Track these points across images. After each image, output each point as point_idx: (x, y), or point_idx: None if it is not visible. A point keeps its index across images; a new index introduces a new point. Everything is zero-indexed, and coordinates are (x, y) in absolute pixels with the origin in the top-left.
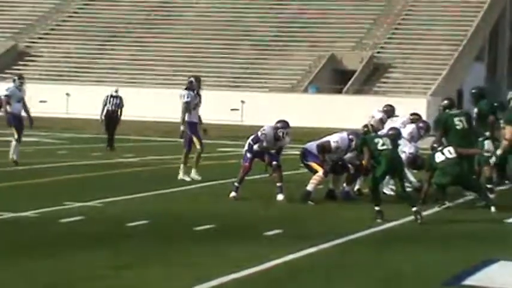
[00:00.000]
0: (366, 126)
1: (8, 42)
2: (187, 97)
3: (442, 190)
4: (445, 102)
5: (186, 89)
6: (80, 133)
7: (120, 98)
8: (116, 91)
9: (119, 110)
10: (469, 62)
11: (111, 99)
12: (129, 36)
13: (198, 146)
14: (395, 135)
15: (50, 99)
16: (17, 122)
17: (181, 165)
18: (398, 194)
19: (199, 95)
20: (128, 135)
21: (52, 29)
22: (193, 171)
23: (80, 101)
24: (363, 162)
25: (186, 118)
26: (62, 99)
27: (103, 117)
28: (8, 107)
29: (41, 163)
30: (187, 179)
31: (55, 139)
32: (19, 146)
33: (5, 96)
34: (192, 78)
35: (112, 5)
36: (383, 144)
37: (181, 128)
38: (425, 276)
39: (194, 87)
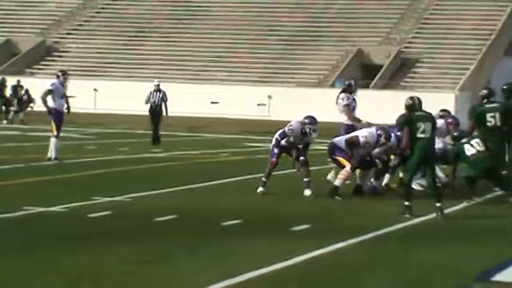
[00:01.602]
0: (412, 98)
1: (36, 38)
2: (346, 99)
3: (471, 185)
4: (484, 91)
5: (342, 91)
6: (108, 128)
7: (164, 92)
8: (158, 85)
9: (163, 104)
10: (497, 56)
11: (154, 93)
12: (157, 31)
13: None
14: (434, 118)
15: (78, 95)
16: (59, 119)
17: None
18: (430, 185)
19: (354, 99)
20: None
21: (80, 25)
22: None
23: (107, 97)
24: (392, 157)
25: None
26: (89, 95)
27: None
28: (52, 103)
29: (69, 158)
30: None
31: (83, 134)
32: (58, 143)
33: (48, 90)
34: (351, 81)
35: (139, 1)
36: (423, 131)
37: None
38: (454, 272)
39: (352, 89)
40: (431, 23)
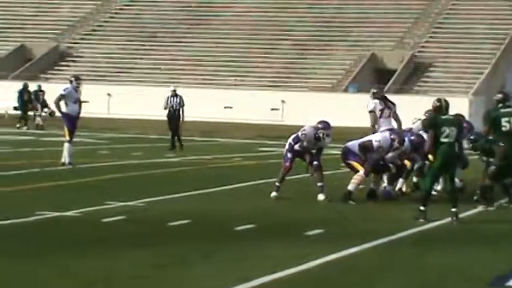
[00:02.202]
0: (439, 101)
1: (50, 43)
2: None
3: (489, 191)
4: (499, 95)
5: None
6: (121, 133)
7: (180, 97)
8: (174, 90)
9: (180, 109)
10: None
11: (172, 98)
12: (169, 36)
13: None
14: (461, 122)
15: (91, 100)
16: (72, 124)
17: None
18: (447, 190)
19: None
20: (168, 135)
21: (93, 30)
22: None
23: (121, 101)
24: (406, 162)
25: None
26: (103, 100)
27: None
28: (64, 108)
29: (83, 163)
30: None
31: (96, 139)
32: (72, 148)
33: (61, 95)
34: (374, 90)
35: (152, 6)
36: (447, 136)
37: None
38: (468, 277)
39: (378, 95)
40: (445, 27)
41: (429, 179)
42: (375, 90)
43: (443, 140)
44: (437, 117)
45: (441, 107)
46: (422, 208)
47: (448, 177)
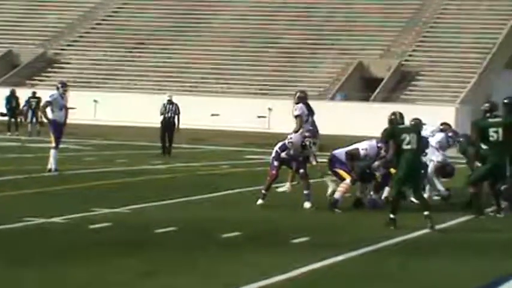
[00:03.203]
0: (393, 114)
1: (37, 50)
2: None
3: (476, 197)
4: (486, 105)
5: (297, 103)
6: (107, 140)
7: (176, 105)
8: (170, 98)
9: (176, 117)
10: (498, 69)
11: (168, 106)
12: (157, 43)
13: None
14: (419, 126)
15: (78, 106)
16: (58, 130)
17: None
18: (416, 198)
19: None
20: (155, 142)
21: (80, 37)
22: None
23: (107, 108)
24: (391, 170)
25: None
26: (89, 106)
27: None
28: (50, 114)
29: (69, 169)
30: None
31: (83, 146)
32: (57, 154)
33: (47, 102)
34: (300, 94)
35: (140, 13)
36: (408, 143)
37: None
38: (454, 285)
39: (303, 100)
40: (432, 36)
41: (396, 187)
42: (302, 95)
43: (405, 147)
44: (395, 128)
45: (396, 118)
46: (391, 216)
47: (413, 187)
